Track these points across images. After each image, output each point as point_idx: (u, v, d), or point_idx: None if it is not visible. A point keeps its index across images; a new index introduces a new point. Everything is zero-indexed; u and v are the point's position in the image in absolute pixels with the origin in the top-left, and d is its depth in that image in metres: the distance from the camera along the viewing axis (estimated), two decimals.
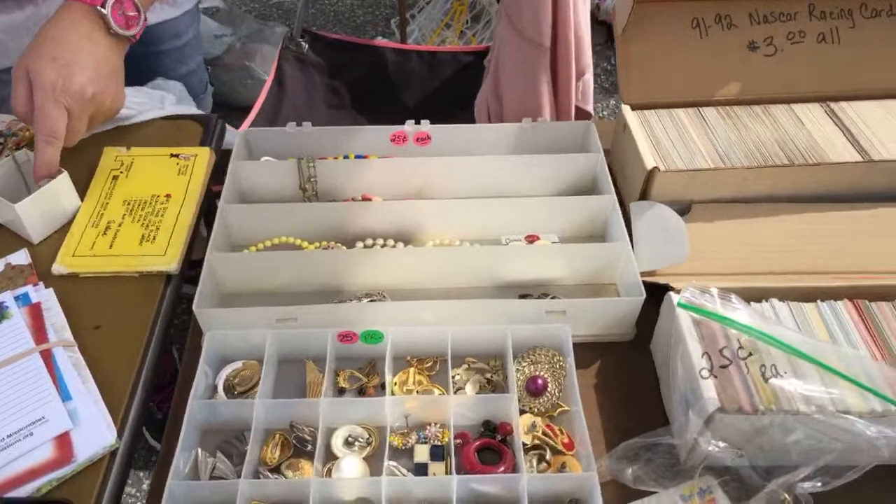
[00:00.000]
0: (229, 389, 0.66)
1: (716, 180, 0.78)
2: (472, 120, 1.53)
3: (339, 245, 0.77)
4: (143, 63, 1.13)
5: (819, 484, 0.55)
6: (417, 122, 0.86)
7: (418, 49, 1.80)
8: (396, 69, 1.75)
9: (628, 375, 0.69)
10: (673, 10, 0.86)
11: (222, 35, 2.31)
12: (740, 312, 0.57)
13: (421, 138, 0.86)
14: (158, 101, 0.96)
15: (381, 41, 1.99)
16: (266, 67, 2.22)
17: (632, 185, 0.81)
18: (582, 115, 1.11)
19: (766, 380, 0.54)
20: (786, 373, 0.54)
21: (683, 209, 0.79)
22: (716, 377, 0.54)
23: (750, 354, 0.55)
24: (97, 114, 0.79)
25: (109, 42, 0.79)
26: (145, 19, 0.83)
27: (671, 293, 0.64)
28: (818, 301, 0.65)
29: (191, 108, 0.97)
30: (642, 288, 0.68)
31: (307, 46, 1.75)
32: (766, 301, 0.65)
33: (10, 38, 0.95)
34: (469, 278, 0.75)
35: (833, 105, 0.86)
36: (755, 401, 0.55)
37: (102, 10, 0.78)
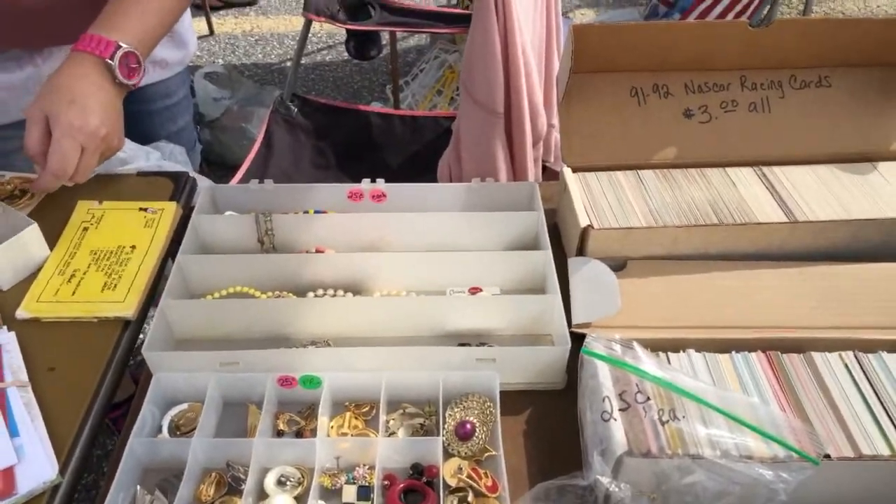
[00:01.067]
0: (174, 430, 0.69)
1: (648, 238, 0.82)
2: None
3: (291, 295, 0.82)
4: (135, 122, 1.20)
5: None
6: (373, 181, 0.92)
7: (401, 114, 1.88)
8: (380, 132, 1.83)
9: (557, 422, 0.72)
10: (612, 80, 0.93)
11: (221, 98, 2.42)
12: (641, 360, 0.61)
13: (376, 195, 0.92)
14: (144, 153, 1.02)
15: (366, 106, 2.08)
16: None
17: (571, 242, 0.86)
18: (553, 175, 1.17)
19: (663, 423, 0.57)
20: (683, 416, 0.58)
21: (619, 265, 0.83)
22: (615, 420, 0.58)
23: (647, 399, 0.58)
24: (106, 151, 0.87)
25: (114, 89, 0.88)
26: (144, 69, 0.91)
27: (586, 342, 0.68)
28: (732, 352, 0.68)
29: (175, 166, 1.03)
30: (568, 338, 0.71)
31: (296, 110, 1.84)
32: (684, 351, 0.68)
33: (10, 97, 1.02)
34: (412, 327, 0.79)
35: (765, 168, 0.91)
36: (662, 444, 0.58)
37: (111, 62, 0.86)
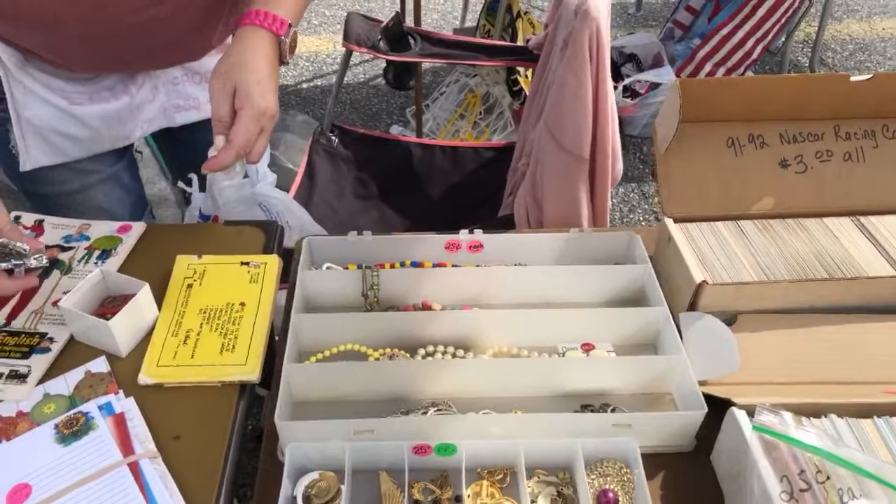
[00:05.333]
0: (307, 501, 0.67)
1: (761, 294, 0.82)
2: (493, 212, 1.60)
3: (403, 352, 0.80)
4: (198, 153, 1.19)
5: None
6: (471, 232, 0.91)
7: (441, 144, 1.88)
8: (421, 163, 1.83)
9: (691, 487, 0.71)
10: (709, 130, 0.93)
11: None
12: (810, 434, 0.60)
13: (474, 246, 0.91)
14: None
15: (404, 136, 2.07)
16: (289, 155, 2.29)
17: (678, 295, 0.85)
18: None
19: None
20: (861, 495, 0.57)
21: (730, 319, 0.83)
22: (796, 501, 0.57)
23: (828, 478, 0.58)
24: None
25: (277, 68, 0.86)
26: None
27: (734, 409, 0.67)
28: (874, 417, 0.68)
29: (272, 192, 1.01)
30: (703, 401, 0.71)
31: (337, 140, 1.82)
32: (825, 417, 0.68)
33: (104, 126, 1.02)
34: (529, 388, 0.78)
35: (862, 219, 0.92)
36: None
37: (285, 39, 0.85)
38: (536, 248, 0.92)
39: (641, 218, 2.29)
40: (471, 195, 1.77)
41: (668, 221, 0.90)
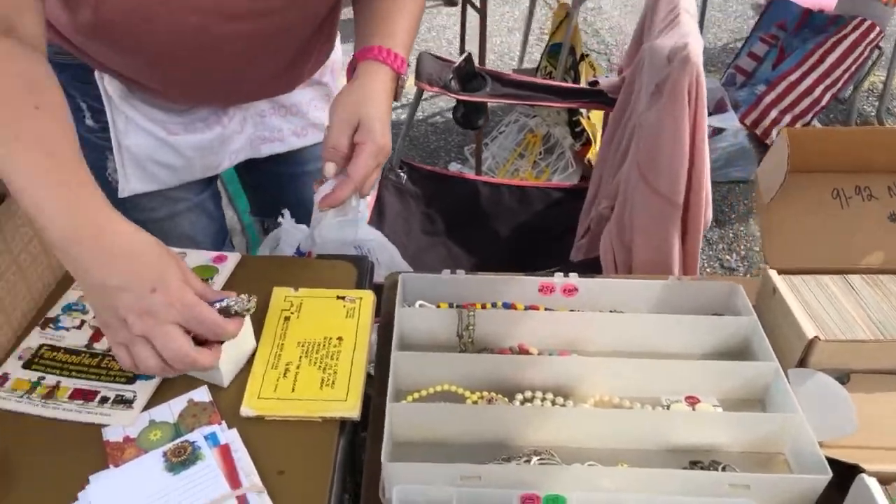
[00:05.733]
0: None
1: (878, 352, 0.79)
2: (561, 253, 1.59)
3: (500, 396, 0.79)
4: (290, 183, 1.21)
5: None
6: (566, 275, 0.90)
7: (508, 183, 1.88)
8: (488, 202, 1.83)
9: None
10: (813, 180, 0.90)
11: None
12: None
13: (568, 290, 0.89)
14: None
15: (468, 174, 2.08)
16: None
17: (784, 350, 0.82)
18: None
19: None
20: None
21: (842, 378, 0.79)
22: None
23: None
24: None
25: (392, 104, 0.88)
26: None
27: (865, 477, 0.64)
28: None
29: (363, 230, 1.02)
30: (826, 465, 0.67)
31: (405, 177, 1.84)
32: None
33: (198, 156, 1.04)
34: (633, 440, 0.75)
35: None
36: None
37: (404, 77, 0.88)
38: (632, 294, 0.90)
39: (706, 264, 2.25)
40: (537, 235, 1.76)
41: (772, 273, 0.88)
